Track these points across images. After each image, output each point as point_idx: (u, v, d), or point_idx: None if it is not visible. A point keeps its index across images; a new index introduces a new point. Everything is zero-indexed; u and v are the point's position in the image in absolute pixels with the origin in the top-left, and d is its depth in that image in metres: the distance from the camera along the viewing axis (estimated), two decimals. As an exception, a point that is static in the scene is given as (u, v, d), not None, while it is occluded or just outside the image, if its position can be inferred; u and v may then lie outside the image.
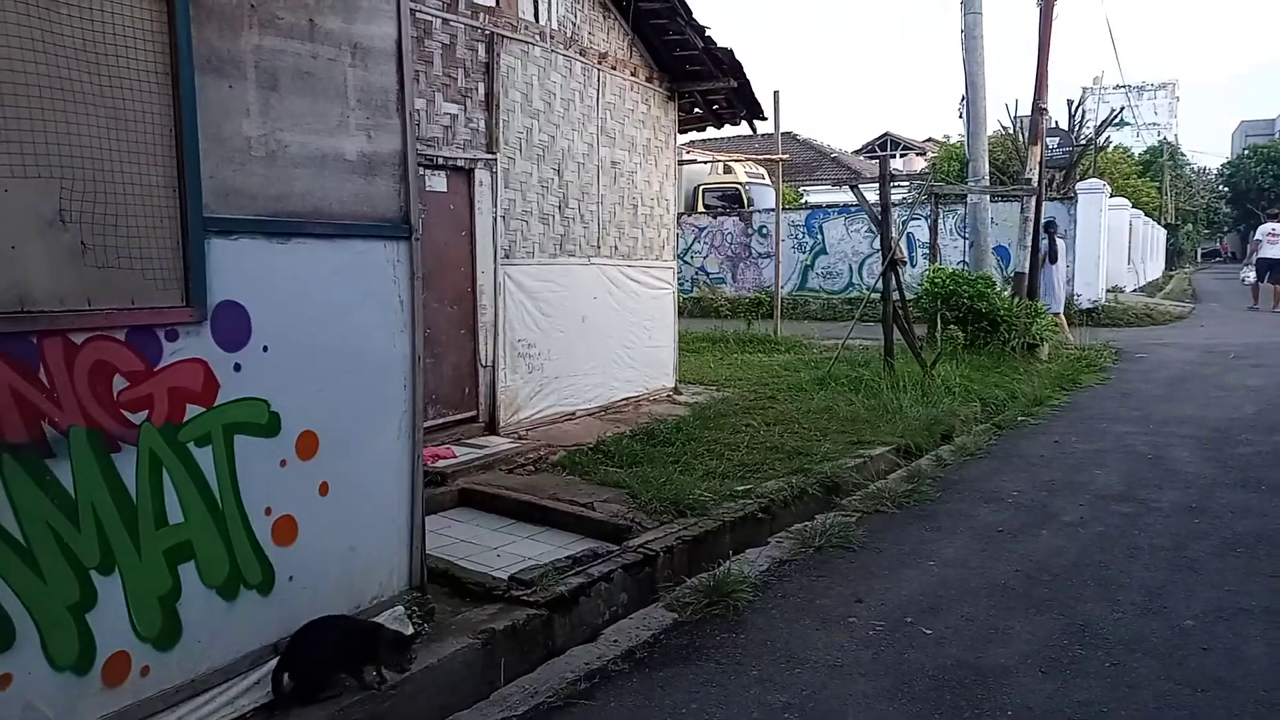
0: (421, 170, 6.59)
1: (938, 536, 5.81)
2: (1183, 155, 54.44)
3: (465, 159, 7.18)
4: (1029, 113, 15.12)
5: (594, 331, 8.61)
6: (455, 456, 6.66)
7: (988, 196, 15.01)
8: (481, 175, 7.33)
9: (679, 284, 10.67)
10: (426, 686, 3.61)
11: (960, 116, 22.77)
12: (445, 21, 6.98)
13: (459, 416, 7.36)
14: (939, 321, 12.71)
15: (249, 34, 3.31)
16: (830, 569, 5.23)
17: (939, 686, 3.85)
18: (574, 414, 8.38)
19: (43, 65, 2.75)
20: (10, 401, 2.69)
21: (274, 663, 3.41)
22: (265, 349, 3.37)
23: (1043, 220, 14.46)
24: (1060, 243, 15.98)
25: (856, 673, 3.99)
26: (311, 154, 3.54)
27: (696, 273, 23.72)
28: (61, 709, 2.82)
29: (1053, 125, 22.35)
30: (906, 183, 22.05)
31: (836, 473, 6.69)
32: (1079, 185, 21.06)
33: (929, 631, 4.40)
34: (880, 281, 11.14)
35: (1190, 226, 54.60)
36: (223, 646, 3.27)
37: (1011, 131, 24.60)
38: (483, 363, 7.45)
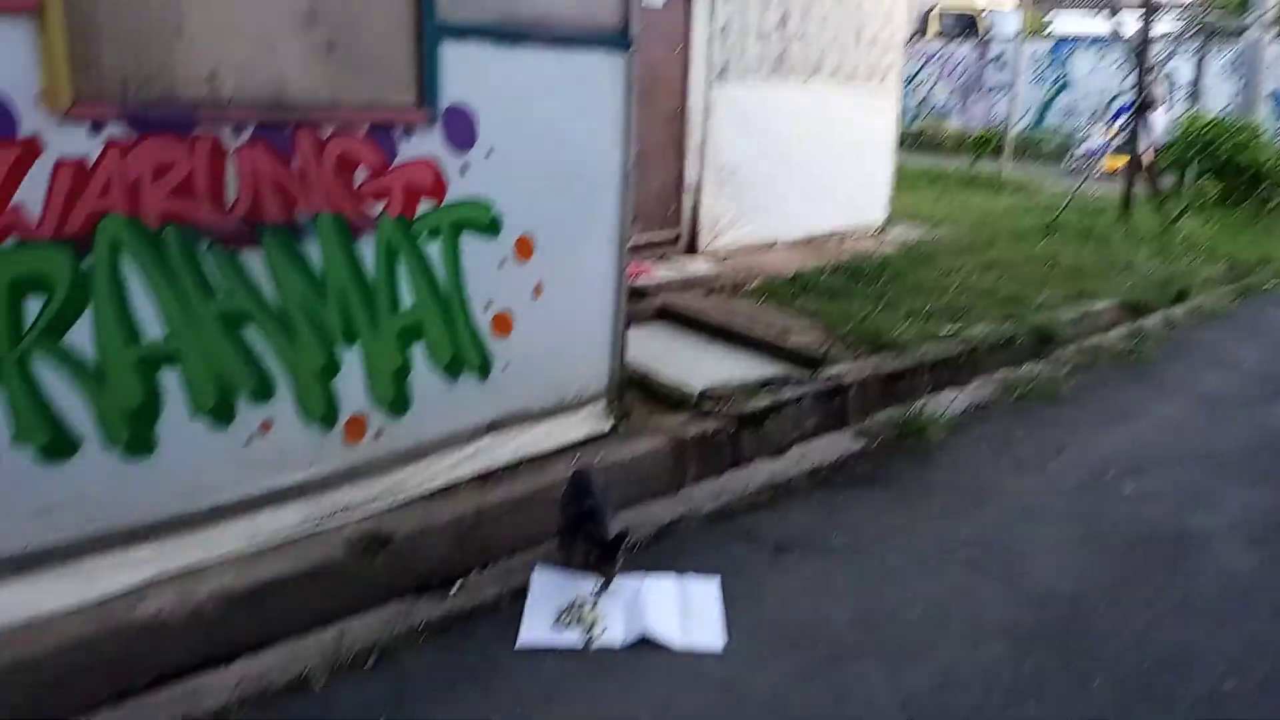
0: (643, -19, 6.47)
1: (1155, 396, 5.49)
2: None
3: (687, -30, 6.96)
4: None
5: (803, 159, 8.35)
6: (656, 274, 6.82)
7: (1268, 34, 13.05)
8: (702, -12, 7.10)
9: (901, 114, 10.09)
10: (619, 479, 3.88)
11: (1255, -67, 19.62)
12: None
13: (661, 236, 7.46)
14: (1190, 173, 11.49)
15: None
16: (1032, 418, 5.09)
17: (1132, 543, 3.75)
18: (774, 243, 8.29)
19: None
20: (269, 186, 2.99)
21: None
22: (489, 153, 3.53)
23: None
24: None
25: (1047, 519, 3.94)
26: (539, -42, 3.55)
27: (921, 103, 22.28)
28: (310, 456, 3.27)
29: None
30: (1175, 12, 19.44)
31: (1052, 322, 6.37)
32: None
33: (1130, 489, 4.25)
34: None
35: None
36: (444, 420, 3.63)
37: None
38: (688, 184, 7.46)
